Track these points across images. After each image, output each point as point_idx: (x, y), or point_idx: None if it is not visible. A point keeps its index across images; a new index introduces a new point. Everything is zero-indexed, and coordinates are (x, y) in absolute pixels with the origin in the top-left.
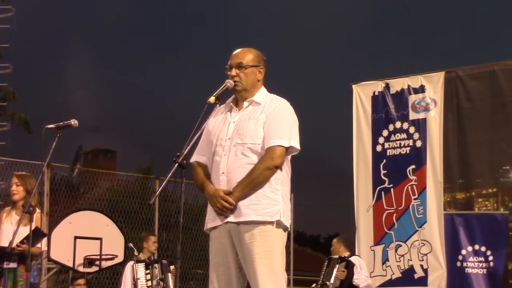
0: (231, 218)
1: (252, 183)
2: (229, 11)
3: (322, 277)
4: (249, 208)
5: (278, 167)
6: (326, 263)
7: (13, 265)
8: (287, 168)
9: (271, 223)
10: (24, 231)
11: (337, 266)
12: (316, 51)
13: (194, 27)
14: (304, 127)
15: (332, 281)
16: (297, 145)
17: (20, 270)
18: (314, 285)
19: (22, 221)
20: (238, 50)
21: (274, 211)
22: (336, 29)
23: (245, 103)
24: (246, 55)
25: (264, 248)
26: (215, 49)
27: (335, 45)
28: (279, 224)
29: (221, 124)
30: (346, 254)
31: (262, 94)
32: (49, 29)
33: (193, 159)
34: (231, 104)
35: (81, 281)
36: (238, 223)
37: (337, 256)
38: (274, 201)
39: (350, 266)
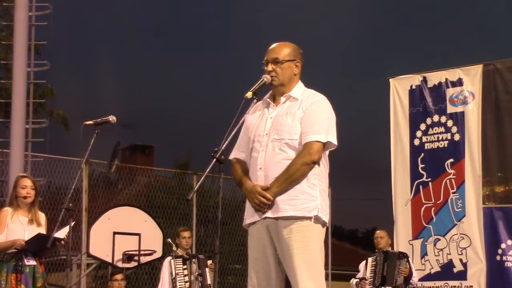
0: (269, 214)
1: (290, 178)
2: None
3: (381, 271)
4: (287, 204)
5: (316, 162)
6: (376, 257)
7: (32, 262)
8: (325, 163)
9: (309, 218)
10: (38, 231)
11: (399, 261)
12: (352, 44)
13: (234, 22)
14: (341, 121)
15: (396, 277)
16: (334, 140)
17: (37, 266)
18: (356, 280)
19: (37, 222)
20: (274, 45)
21: (311, 207)
22: (370, 22)
23: (282, 99)
24: (282, 50)
25: (302, 243)
26: (252, 46)
27: (372, 39)
28: (317, 219)
29: (259, 120)
30: (389, 248)
31: (299, 89)
32: (86, 26)
33: (232, 155)
34: (268, 99)
35: (118, 276)
36: (276, 219)
37: (396, 251)
38: (312, 197)
39: (409, 263)
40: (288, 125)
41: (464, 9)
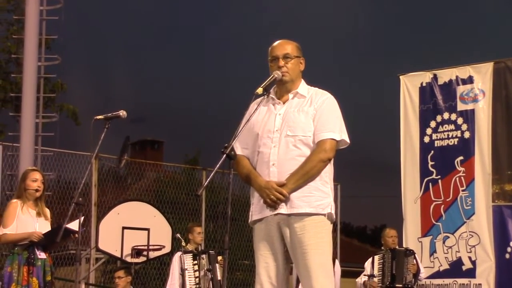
0: (282, 210)
1: (306, 175)
2: None
3: (390, 269)
4: (302, 200)
5: (331, 160)
6: (384, 255)
7: (43, 255)
8: (332, 162)
9: (322, 215)
10: (47, 224)
11: (406, 259)
12: (361, 41)
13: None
14: (351, 118)
15: (405, 274)
16: (347, 138)
17: (47, 260)
18: (365, 279)
19: (44, 216)
20: (279, 42)
21: (325, 204)
22: (380, 19)
23: (290, 95)
24: (289, 46)
25: (315, 240)
26: (257, 44)
27: (380, 36)
28: (329, 216)
29: (266, 117)
30: (396, 246)
31: (304, 87)
32: (97, 20)
33: (237, 151)
34: (273, 96)
35: (118, 273)
36: (289, 215)
37: (403, 249)
38: (325, 194)
39: (416, 259)
40: (301, 122)
41: (467, 9)
